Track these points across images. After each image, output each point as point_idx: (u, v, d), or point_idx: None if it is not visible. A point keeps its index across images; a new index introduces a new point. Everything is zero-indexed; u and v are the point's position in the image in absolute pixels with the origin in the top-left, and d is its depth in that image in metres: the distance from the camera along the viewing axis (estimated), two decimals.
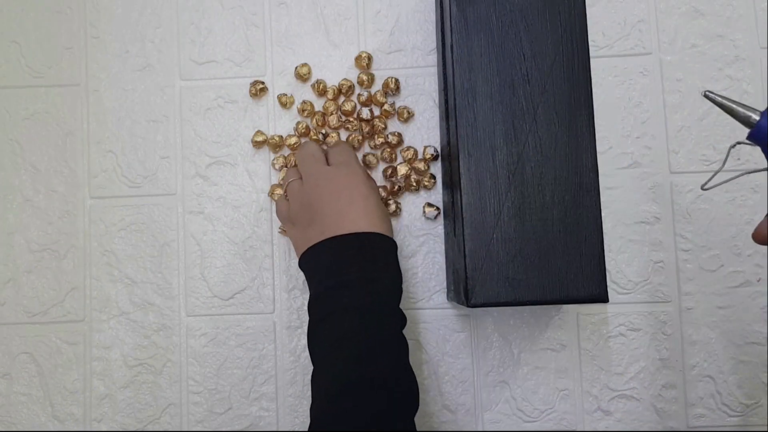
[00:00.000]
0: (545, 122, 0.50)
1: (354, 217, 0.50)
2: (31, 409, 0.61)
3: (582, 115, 0.50)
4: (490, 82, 0.50)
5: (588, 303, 0.49)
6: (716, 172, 0.41)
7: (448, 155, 0.55)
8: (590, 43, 0.61)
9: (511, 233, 0.49)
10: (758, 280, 0.59)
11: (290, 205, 0.55)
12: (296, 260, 0.61)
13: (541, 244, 0.49)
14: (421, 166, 0.60)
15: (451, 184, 0.54)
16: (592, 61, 0.61)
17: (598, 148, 0.60)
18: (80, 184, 0.62)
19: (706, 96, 0.39)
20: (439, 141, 0.61)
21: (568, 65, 0.50)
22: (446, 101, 0.55)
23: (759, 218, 0.59)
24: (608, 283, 0.59)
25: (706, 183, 0.41)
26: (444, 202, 0.59)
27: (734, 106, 0.38)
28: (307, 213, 0.52)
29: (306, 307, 0.61)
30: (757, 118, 0.37)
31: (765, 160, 0.39)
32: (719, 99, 0.39)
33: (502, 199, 0.49)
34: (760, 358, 0.59)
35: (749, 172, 0.40)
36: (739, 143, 0.39)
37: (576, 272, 0.49)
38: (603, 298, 0.48)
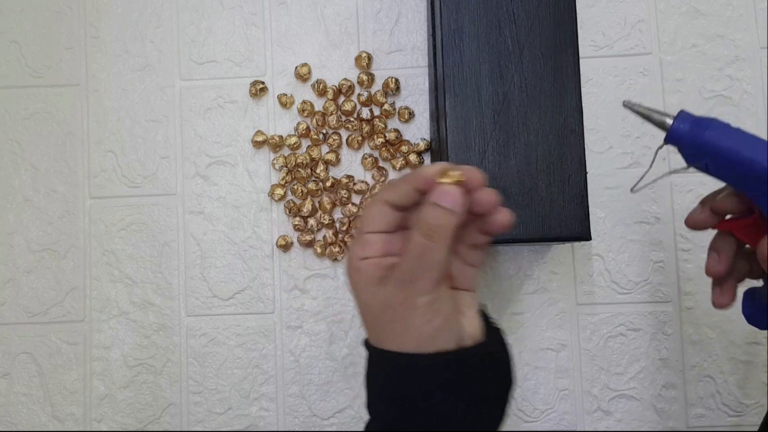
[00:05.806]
0: (531, 62, 0.50)
1: None
2: (31, 409, 0.61)
3: (567, 56, 0.50)
4: (476, 23, 0.50)
5: (570, 241, 0.49)
6: (643, 175, 0.42)
7: (435, 90, 0.55)
8: (590, 43, 0.62)
9: (495, 171, 0.49)
10: (758, 280, 0.59)
11: None
12: (296, 260, 0.61)
13: (525, 182, 0.49)
14: (413, 158, 0.60)
15: (438, 125, 0.54)
16: (592, 61, 0.61)
17: (598, 148, 0.61)
18: (80, 184, 0.62)
19: (624, 105, 0.41)
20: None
21: (555, 5, 0.50)
22: (434, 46, 0.55)
23: None
24: (608, 282, 0.60)
25: (635, 186, 0.42)
26: (431, 140, 0.60)
27: (649, 112, 0.40)
28: None
29: (306, 308, 0.61)
30: (671, 122, 0.39)
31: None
32: (636, 107, 0.40)
33: (487, 137, 0.50)
34: (760, 358, 0.59)
35: (672, 173, 0.43)
36: (665, 144, 0.41)
37: (559, 210, 0.49)
38: (585, 236, 0.49)
